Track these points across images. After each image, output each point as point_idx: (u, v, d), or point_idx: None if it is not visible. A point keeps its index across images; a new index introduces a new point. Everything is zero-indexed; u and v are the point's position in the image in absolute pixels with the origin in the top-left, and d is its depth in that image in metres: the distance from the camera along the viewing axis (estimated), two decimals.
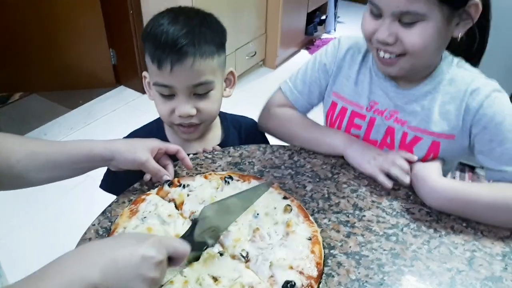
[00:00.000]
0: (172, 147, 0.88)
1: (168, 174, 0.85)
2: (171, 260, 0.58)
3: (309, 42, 3.75)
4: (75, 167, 0.81)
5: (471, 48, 0.92)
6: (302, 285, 0.66)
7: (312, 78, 1.06)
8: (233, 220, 0.75)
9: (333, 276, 0.70)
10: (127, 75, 2.89)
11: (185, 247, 0.60)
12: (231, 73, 1.02)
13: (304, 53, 3.64)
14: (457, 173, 2.21)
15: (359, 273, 0.71)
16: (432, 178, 0.83)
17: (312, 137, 1.01)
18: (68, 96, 2.79)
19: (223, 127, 1.09)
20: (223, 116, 1.09)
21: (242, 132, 1.11)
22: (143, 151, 0.82)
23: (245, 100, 2.86)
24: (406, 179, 0.86)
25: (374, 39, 0.86)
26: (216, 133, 1.08)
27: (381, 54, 0.87)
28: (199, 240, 0.68)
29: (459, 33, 0.85)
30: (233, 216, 0.75)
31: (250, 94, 2.97)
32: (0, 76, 2.70)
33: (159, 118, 1.02)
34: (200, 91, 0.91)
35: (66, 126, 2.56)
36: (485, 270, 0.73)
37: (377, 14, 0.83)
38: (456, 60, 0.93)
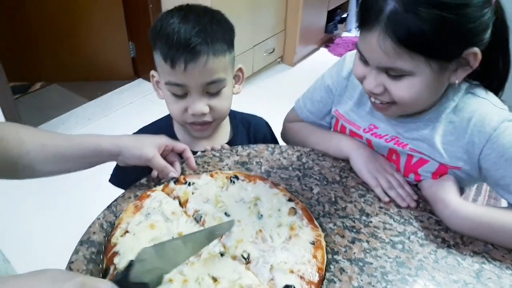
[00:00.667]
0: (179, 145, 0.88)
1: (174, 171, 0.85)
2: None
3: (329, 40, 3.70)
4: (84, 161, 0.81)
5: (487, 76, 0.83)
6: None
7: (318, 97, 1.04)
8: (182, 261, 0.66)
9: (334, 282, 0.69)
10: (145, 68, 2.91)
11: None
12: (240, 69, 1.01)
13: (323, 51, 3.61)
14: None
15: (361, 280, 0.70)
16: (454, 201, 0.79)
17: (320, 140, 1.00)
18: (87, 87, 2.84)
19: (232, 125, 1.09)
20: (232, 115, 1.09)
21: (251, 131, 1.11)
22: (150, 147, 0.83)
23: (262, 97, 2.85)
24: (403, 204, 0.85)
25: (363, 85, 0.83)
26: (225, 131, 1.07)
27: (372, 99, 0.84)
28: (137, 281, 0.59)
29: (456, 80, 0.77)
30: (181, 257, 0.66)
31: (267, 91, 2.96)
32: (21, 66, 2.76)
33: (168, 115, 1.02)
34: (212, 89, 0.91)
35: (84, 116, 2.60)
36: (493, 284, 0.70)
37: (365, 61, 0.80)
38: (466, 85, 0.84)
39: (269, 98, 2.80)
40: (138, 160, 0.82)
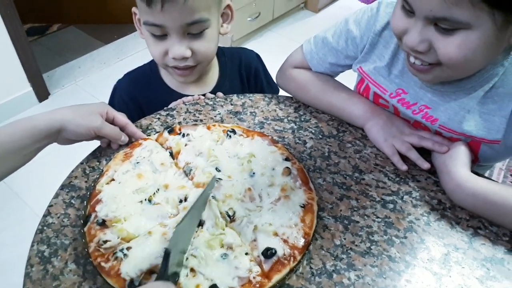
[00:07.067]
0: (120, 118, 0.80)
1: (125, 135, 0.80)
2: None
3: None
4: (22, 153, 0.70)
5: None
6: (284, 254, 0.62)
7: (339, 47, 0.89)
8: (191, 236, 0.64)
9: (316, 239, 0.66)
10: None
11: None
12: (228, 6, 0.92)
13: None
14: None
15: (344, 239, 0.67)
16: (459, 174, 0.71)
17: (332, 103, 0.89)
18: (104, 30, 2.80)
19: (220, 64, 1.03)
20: (221, 52, 1.01)
21: (243, 66, 1.04)
22: (94, 115, 0.75)
23: (283, 46, 2.74)
24: (424, 165, 0.77)
25: (403, 41, 0.69)
26: (214, 73, 1.02)
27: (411, 59, 0.71)
28: (172, 271, 0.58)
29: None
30: (190, 233, 0.64)
31: (289, 39, 2.85)
32: (40, 7, 2.73)
33: (153, 60, 0.98)
34: (194, 31, 0.84)
35: (100, 60, 2.58)
36: (486, 250, 0.66)
37: (409, 11, 0.66)
38: None
39: (290, 47, 2.66)
40: (85, 131, 0.74)
